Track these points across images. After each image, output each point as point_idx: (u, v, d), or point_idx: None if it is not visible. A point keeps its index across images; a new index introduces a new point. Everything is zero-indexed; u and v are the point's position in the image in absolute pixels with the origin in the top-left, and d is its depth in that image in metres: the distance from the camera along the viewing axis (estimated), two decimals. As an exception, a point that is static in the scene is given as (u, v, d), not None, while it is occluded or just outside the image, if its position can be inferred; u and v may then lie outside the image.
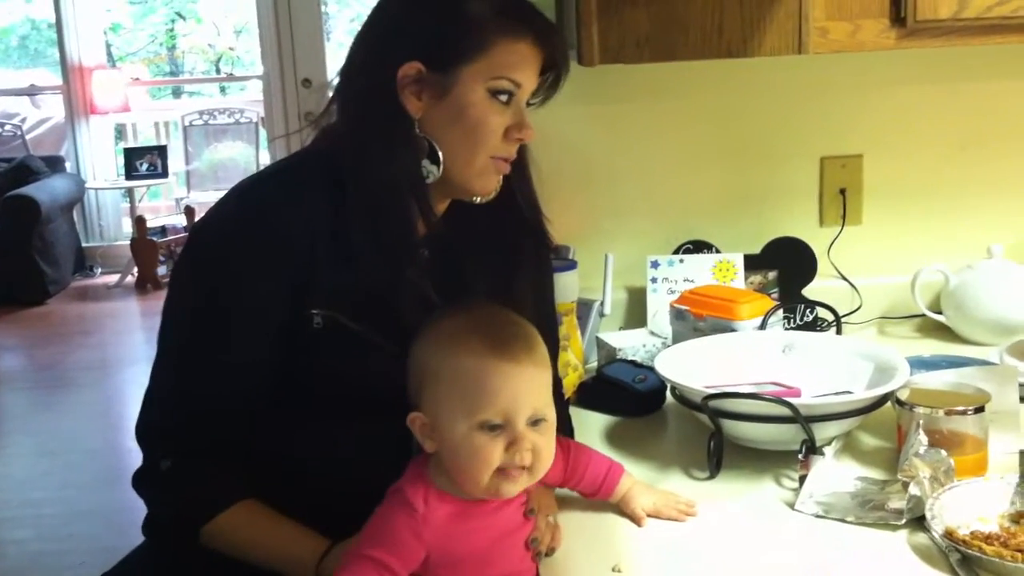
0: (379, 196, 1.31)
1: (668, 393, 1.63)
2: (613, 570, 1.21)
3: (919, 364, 1.66)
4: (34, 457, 4.38)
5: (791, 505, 1.34)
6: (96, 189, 7.42)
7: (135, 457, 1.35)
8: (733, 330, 1.70)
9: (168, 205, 7.86)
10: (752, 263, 2.02)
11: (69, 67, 7.41)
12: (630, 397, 1.68)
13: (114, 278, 6.97)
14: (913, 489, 1.25)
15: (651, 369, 1.62)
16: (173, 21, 9.60)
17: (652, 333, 1.94)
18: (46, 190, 6.62)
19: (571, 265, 1.87)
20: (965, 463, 1.32)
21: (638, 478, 1.37)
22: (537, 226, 1.46)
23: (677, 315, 1.79)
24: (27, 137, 7.76)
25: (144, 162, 7.26)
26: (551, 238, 1.50)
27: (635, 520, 1.32)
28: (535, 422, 1.16)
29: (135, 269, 6.84)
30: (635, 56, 1.65)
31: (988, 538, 1.18)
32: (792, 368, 1.62)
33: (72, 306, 6.61)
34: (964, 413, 1.37)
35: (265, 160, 7.42)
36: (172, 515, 1.35)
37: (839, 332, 1.80)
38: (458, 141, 1.33)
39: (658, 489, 1.38)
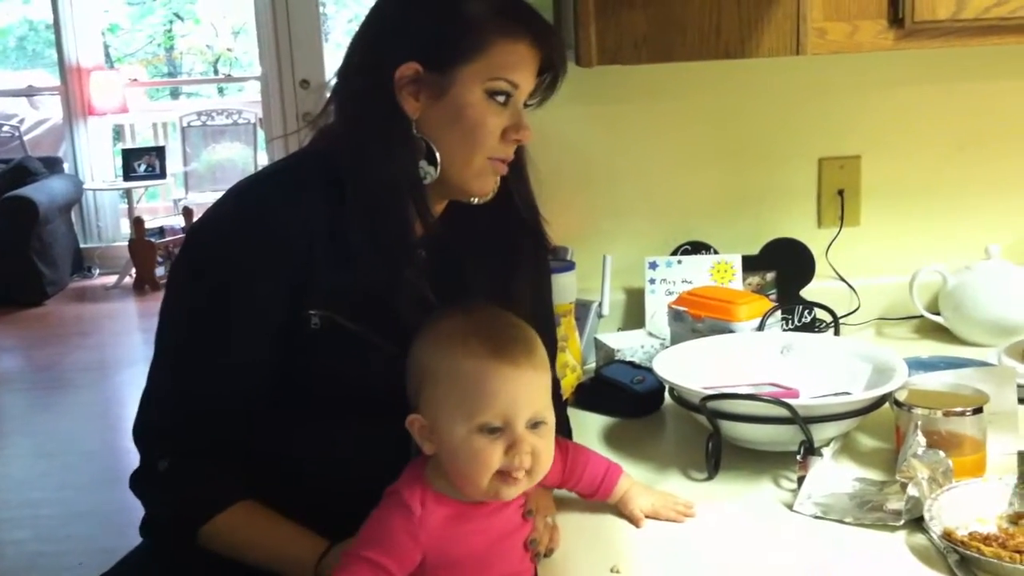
0: (377, 196, 1.31)
1: (666, 394, 1.63)
2: (611, 571, 1.21)
3: (917, 365, 1.66)
4: (32, 458, 4.37)
5: (789, 506, 1.34)
6: (94, 190, 7.40)
7: (133, 458, 1.35)
8: (731, 331, 1.70)
9: (166, 206, 7.85)
10: (750, 264, 2.02)
11: (67, 68, 7.40)
12: (628, 398, 1.68)
13: (112, 279, 6.96)
14: (911, 490, 1.25)
15: (649, 370, 1.62)
16: (171, 22, 9.60)
17: (650, 334, 1.94)
18: (44, 191, 6.61)
19: (569, 266, 1.87)
20: (963, 464, 1.32)
21: (636, 479, 1.37)
22: (535, 227, 1.46)
23: (675, 316, 1.79)
24: (25, 138, 7.76)
25: (142, 163, 7.25)
26: (549, 239, 1.50)
27: (633, 521, 1.32)
28: (535, 425, 1.16)
29: (133, 270, 6.84)
30: (633, 57, 1.65)
31: (986, 539, 1.18)
32: (790, 369, 1.62)
33: (70, 307, 6.60)
34: (962, 414, 1.36)
35: (263, 161, 7.41)
36: (170, 516, 1.35)
37: (837, 333, 1.80)
38: (456, 142, 1.33)
39: (656, 490, 1.38)
